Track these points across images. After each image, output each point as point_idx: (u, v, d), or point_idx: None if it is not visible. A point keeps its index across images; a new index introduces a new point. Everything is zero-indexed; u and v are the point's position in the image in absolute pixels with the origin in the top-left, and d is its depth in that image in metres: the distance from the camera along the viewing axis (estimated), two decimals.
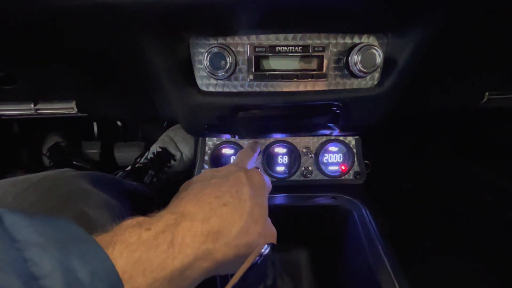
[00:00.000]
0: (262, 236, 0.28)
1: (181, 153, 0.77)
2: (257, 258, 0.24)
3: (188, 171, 0.58)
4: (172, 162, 0.76)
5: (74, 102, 0.46)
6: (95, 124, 0.90)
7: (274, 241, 0.30)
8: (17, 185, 0.30)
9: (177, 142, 0.79)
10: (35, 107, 0.46)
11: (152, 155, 0.76)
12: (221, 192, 0.27)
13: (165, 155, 0.76)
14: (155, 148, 0.78)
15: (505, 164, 0.70)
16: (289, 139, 0.53)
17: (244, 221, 0.26)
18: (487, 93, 0.47)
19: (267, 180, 0.34)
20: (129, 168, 0.77)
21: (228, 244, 0.24)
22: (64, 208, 0.27)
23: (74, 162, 0.79)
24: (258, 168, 0.54)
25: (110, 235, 0.21)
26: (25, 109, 0.46)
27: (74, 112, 0.47)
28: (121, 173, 0.77)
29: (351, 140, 0.54)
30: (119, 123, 0.92)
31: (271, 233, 0.30)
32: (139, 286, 0.19)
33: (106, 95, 0.48)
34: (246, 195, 0.28)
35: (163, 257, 0.21)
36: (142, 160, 0.77)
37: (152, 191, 0.61)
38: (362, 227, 0.44)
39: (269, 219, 0.31)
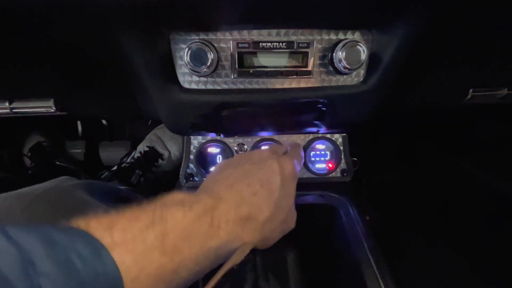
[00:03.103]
0: (284, 223, 0.31)
1: (169, 152, 0.76)
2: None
3: (176, 171, 0.57)
4: (160, 161, 0.74)
5: (52, 100, 0.44)
6: (79, 123, 0.87)
7: (293, 225, 0.33)
8: (22, 198, 0.32)
9: (164, 141, 0.77)
10: (10, 106, 0.44)
11: (139, 155, 0.74)
12: (253, 180, 0.29)
13: (152, 154, 0.75)
14: (142, 147, 0.76)
15: (491, 160, 0.71)
16: (276, 137, 0.52)
17: (271, 211, 0.28)
18: (471, 90, 0.47)
19: (298, 169, 0.35)
20: (115, 168, 0.75)
21: (254, 230, 0.28)
22: (71, 219, 0.28)
23: (57, 163, 0.76)
24: None
25: (158, 208, 0.24)
26: (0, 108, 0.44)
27: (53, 110, 0.45)
28: (107, 173, 0.75)
29: (338, 137, 0.54)
30: (104, 121, 0.90)
31: (292, 217, 0.33)
32: (184, 259, 0.23)
33: (86, 93, 0.47)
34: (276, 185, 0.30)
35: (203, 236, 0.24)
36: (128, 160, 0.76)
37: (143, 194, 0.60)
38: (348, 225, 0.44)
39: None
